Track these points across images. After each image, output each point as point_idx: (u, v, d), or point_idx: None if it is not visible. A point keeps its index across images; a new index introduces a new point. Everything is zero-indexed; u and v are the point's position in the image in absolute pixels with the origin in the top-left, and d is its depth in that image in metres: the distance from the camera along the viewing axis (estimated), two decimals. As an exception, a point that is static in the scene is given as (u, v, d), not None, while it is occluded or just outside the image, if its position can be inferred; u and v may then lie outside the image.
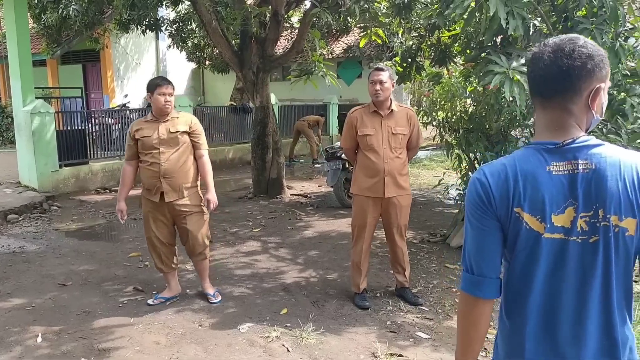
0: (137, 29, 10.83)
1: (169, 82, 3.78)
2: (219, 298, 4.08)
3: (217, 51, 12.24)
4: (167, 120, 3.80)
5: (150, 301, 4.03)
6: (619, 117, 4.13)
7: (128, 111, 10.62)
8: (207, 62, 16.77)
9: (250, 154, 8.75)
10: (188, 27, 12.42)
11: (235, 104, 13.49)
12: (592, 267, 1.26)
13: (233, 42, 8.62)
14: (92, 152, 9.27)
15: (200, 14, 7.51)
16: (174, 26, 12.05)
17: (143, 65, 17.29)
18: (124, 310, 3.93)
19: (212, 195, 3.93)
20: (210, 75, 18.84)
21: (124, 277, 4.66)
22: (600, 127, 4.04)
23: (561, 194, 1.26)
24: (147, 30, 10.97)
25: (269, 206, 7.71)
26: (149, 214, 3.91)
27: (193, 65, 18.52)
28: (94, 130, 9.74)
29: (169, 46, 13.43)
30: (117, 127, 9.86)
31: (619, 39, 4.16)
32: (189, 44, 14.30)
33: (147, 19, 10.43)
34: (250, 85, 8.14)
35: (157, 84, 3.73)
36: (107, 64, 16.21)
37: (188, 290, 4.28)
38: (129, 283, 4.50)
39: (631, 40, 4.23)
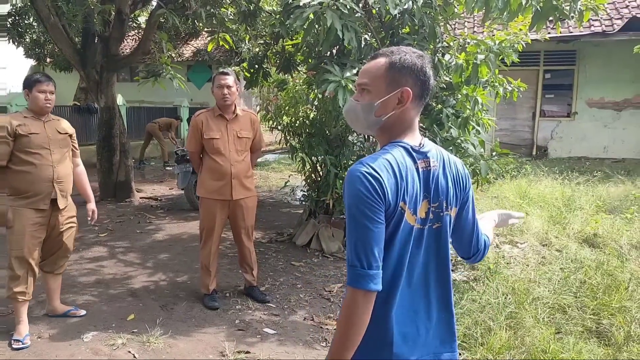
0: (-36, 20, 9.64)
1: (50, 79, 3.48)
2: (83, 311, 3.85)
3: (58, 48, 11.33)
4: (49, 120, 3.51)
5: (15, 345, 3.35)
6: (435, 125, 4.70)
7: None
8: (49, 60, 15.43)
9: (95, 156, 8.32)
10: (25, 22, 11.31)
11: (79, 104, 12.64)
12: (433, 249, 1.48)
13: (76, 39, 8.11)
14: None
15: (38, 8, 6.93)
16: (9, 19, 10.91)
17: (-30, 59, 15.32)
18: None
19: (95, 206, 3.80)
20: (52, 73, 17.13)
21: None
22: (420, 134, 4.59)
23: (423, 189, 1.44)
24: (-24, 23, 9.82)
25: (116, 210, 7.42)
26: (28, 227, 3.36)
27: (32, 62, 16.88)
28: None
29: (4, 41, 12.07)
30: None
31: (437, 55, 4.66)
32: (27, 39, 12.99)
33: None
34: (94, 85, 7.75)
35: (37, 80, 3.41)
36: None
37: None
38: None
39: (447, 57, 4.74)
